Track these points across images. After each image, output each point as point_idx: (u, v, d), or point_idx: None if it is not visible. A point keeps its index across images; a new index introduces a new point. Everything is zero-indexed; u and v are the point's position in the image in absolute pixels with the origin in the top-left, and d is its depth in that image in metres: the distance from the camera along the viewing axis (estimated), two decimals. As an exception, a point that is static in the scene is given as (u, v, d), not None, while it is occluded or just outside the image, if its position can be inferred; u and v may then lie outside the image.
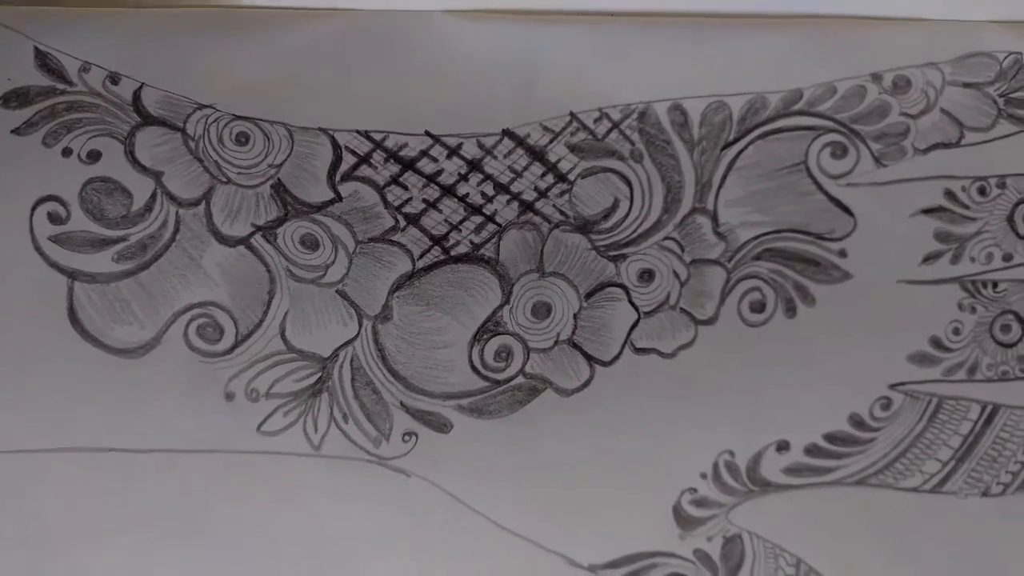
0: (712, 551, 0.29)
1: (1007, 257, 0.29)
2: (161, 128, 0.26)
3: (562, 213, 0.27)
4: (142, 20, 0.26)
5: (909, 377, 0.29)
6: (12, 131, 0.26)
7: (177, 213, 0.26)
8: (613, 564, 0.28)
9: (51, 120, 0.26)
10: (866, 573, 0.29)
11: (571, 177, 0.27)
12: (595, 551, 0.28)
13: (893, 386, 0.29)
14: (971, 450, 0.29)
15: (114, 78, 0.26)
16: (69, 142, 0.26)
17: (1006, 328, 0.29)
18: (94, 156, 0.26)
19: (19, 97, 0.26)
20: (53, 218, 0.26)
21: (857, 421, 0.29)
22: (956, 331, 0.29)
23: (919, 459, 0.29)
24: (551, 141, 0.27)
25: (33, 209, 0.26)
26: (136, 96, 0.26)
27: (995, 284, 0.29)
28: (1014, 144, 0.28)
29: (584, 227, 0.27)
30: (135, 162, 0.26)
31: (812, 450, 0.29)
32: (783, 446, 0.28)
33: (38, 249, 0.26)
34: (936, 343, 0.29)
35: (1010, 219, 0.29)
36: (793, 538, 0.29)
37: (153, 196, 0.26)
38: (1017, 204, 0.29)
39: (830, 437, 0.29)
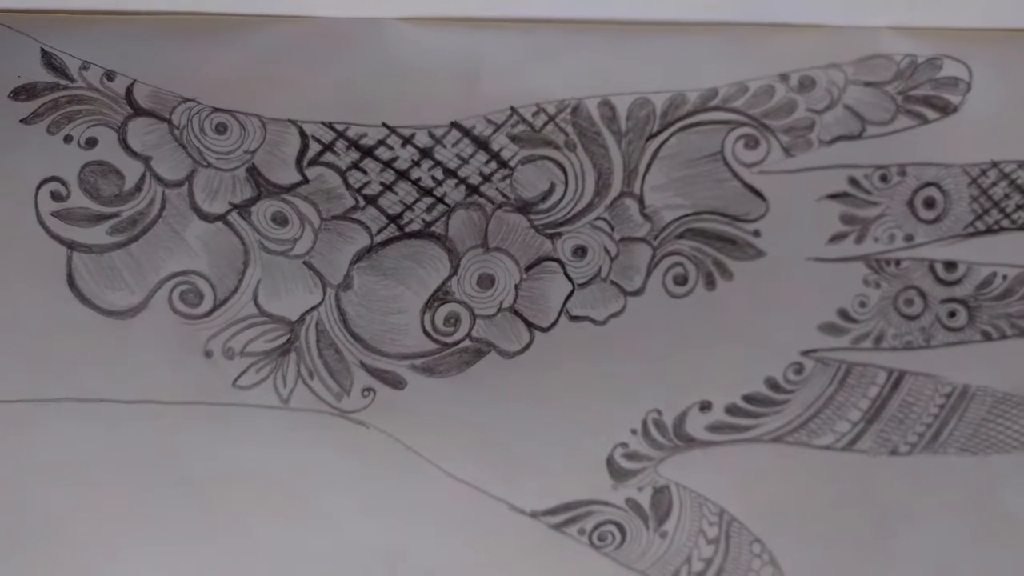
0: (643, 500, 0.30)
1: (908, 238, 0.30)
2: (150, 119, 0.27)
3: (504, 195, 0.29)
4: (135, 25, 0.27)
5: (819, 345, 0.30)
6: (20, 121, 0.27)
7: (163, 193, 0.27)
8: (552, 511, 0.30)
9: (54, 111, 0.27)
10: (782, 523, 0.30)
11: (512, 164, 0.28)
12: (536, 498, 0.29)
13: (805, 353, 0.30)
14: (879, 412, 0.31)
15: (110, 75, 0.27)
16: (70, 130, 0.27)
17: (909, 302, 0.30)
18: (91, 143, 0.27)
19: (27, 91, 0.27)
20: (55, 196, 0.27)
21: (773, 384, 0.30)
22: (862, 304, 0.30)
23: (831, 419, 0.30)
24: (494, 132, 0.28)
25: (38, 188, 0.27)
26: (129, 91, 0.27)
27: (898, 262, 0.30)
28: (912, 136, 0.30)
29: (524, 208, 0.29)
30: (127, 148, 0.27)
31: (732, 409, 0.30)
32: (706, 406, 0.30)
33: (42, 223, 0.27)
34: (844, 315, 0.30)
35: (910, 203, 0.30)
36: (716, 489, 0.30)
37: (143, 178, 0.27)
38: (917, 190, 0.30)
39: (748, 398, 0.30)
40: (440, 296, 0.29)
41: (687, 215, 0.29)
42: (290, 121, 0.28)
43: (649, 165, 0.29)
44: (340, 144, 0.28)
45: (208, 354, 0.28)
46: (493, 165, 0.29)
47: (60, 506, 0.28)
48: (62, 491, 0.28)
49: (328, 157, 0.28)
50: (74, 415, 0.28)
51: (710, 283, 0.30)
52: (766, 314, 0.30)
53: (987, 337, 0.31)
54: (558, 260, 0.29)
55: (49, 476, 0.28)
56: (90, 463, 0.28)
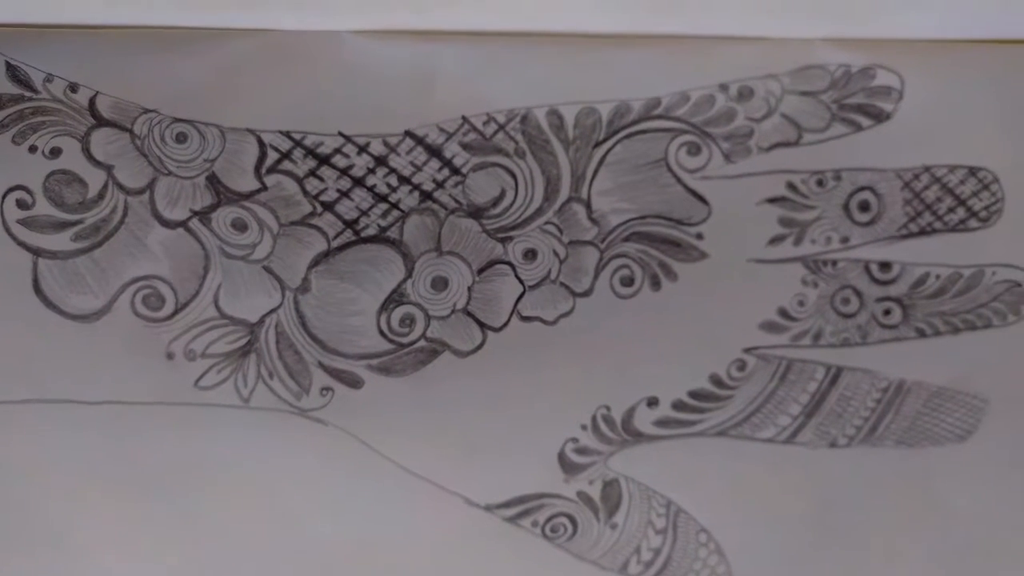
0: (593, 493, 0.31)
1: (844, 239, 0.31)
2: (112, 129, 0.28)
3: (456, 201, 0.29)
4: (97, 39, 0.28)
5: (761, 342, 0.31)
6: (-14, 132, 0.27)
7: (125, 200, 0.28)
8: (506, 504, 0.30)
9: (19, 122, 0.27)
10: (728, 513, 0.31)
11: (464, 171, 0.29)
12: (490, 492, 0.30)
13: (747, 350, 0.31)
14: (818, 406, 0.31)
15: (73, 87, 0.28)
16: (35, 140, 0.27)
17: (846, 301, 0.31)
18: (56, 152, 0.27)
19: (-8, 103, 0.27)
20: (21, 204, 0.27)
21: (716, 380, 0.31)
22: (801, 303, 0.31)
23: (772, 414, 0.31)
24: (446, 140, 0.29)
25: (4, 197, 0.27)
26: (92, 102, 0.28)
27: (834, 262, 0.31)
28: (847, 143, 0.30)
29: (476, 213, 0.29)
30: (90, 157, 0.28)
31: (678, 405, 0.31)
32: (653, 402, 0.31)
33: (8, 231, 0.27)
34: (783, 313, 0.31)
35: (846, 207, 0.31)
36: (664, 482, 0.31)
37: (105, 186, 0.28)
38: (852, 194, 0.31)
39: (694, 394, 0.31)
40: (395, 298, 0.29)
41: (633, 219, 0.30)
42: (248, 130, 0.28)
43: (596, 171, 0.30)
44: (297, 153, 0.29)
45: (170, 356, 0.28)
46: (446, 172, 0.29)
47: (26, 504, 0.29)
48: (28, 489, 0.29)
49: (286, 165, 0.29)
50: (40, 416, 0.28)
51: (655, 284, 0.30)
52: (709, 313, 0.30)
53: (921, 334, 0.32)
54: (509, 263, 0.30)
55: (15, 475, 0.28)
56: (56, 462, 0.28)
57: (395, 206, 0.29)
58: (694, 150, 0.30)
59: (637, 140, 0.30)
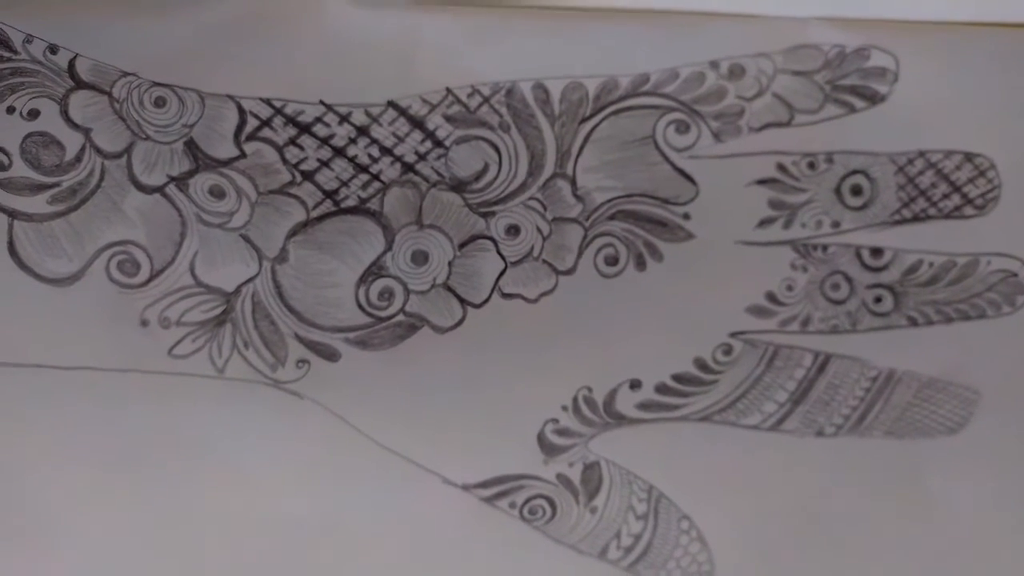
0: (573, 476, 0.31)
1: (835, 224, 0.31)
2: (91, 91, 0.27)
3: (439, 174, 0.29)
4: (78, 1, 0.27)
5: (748, 327, 0.30)
6: (-36, 92, 0.27)
7: (103, 164, 0.28)
8: (484, 484, 0.30)
9: None
10: (711, 500, 0.31)
11: (447, 143, 0.29)
12: (468, 472, 0.30)
13: (733, 334, 0.30)
14: (806, 394, 0.31)
15: (53, 49, 0.27)
16: (13, 101, 0.27)
17: (835, 287, 0.31)
18: (34, 114, 0.27)
19: (-31, 64, 0.27)
20: None
21: (701, 364, 0.30)
22: (789, 288, 0.31)
23: (758, 400, 0.31)
24: (429, 112, 0.29)
25: None
26: (71, 64, 0.27)
27: (825, 247, 0.31)
28: (840, 125, 0.30)
29: (458, 187, 0.29)
30: (68, 120, 0.27)
31: (662, 388, 0.30)
32: (636, 384, 0.30)
33: None
34: (771, 297, 0.30)
35: (837, 190, 0.30)
36: (645, 466, 0.31)
37: (83, 149, 0.27)
38: (844, 177, 0.30)
39: (678, 377, 0.30)
40: (374, 271, 0.29)
41: (618, 197, 0.30)
42: (228, 96, 0.28)
43: (582, 147, 0.29)
44: (278, 120, 0.28)
45: (144, 323, 0.28)
46: (428, 144, 0.29)
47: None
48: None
49: (266, 133, 0.28)
50: (12, 379, 0.28)
51: (640, 264, 0.30)
52: (695, 295, 0.30)
53: (913, 323, 0.31)
54: (491, 238, 0.29)
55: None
56: (27, 427, 0.28)
57: (376, 177, 0.29)
58: (683, 128, 0.30)
59: (624, 117, 0.29)
